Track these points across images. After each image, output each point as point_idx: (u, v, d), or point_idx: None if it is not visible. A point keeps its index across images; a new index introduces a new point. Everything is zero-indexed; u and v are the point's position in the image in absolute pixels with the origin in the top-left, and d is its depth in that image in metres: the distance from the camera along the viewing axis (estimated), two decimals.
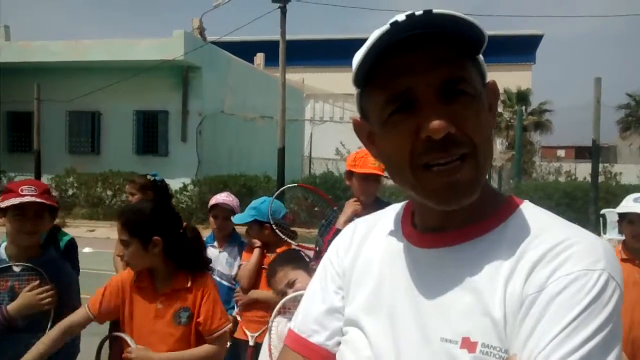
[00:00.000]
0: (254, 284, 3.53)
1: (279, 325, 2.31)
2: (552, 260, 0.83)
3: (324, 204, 3.81)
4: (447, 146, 0.86)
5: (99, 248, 10.67)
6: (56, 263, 2.58)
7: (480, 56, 0.94)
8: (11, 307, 2.36)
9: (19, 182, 2.54)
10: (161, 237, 2.35)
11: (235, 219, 3.74)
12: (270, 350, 2.28)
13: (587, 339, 0.77)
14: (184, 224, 2.57)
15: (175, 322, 2.35)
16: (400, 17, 0.83)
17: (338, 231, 3.18)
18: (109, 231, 13.78)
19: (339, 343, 1.03)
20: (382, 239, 1.06)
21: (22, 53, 18.16)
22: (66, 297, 2.45)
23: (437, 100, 0.86)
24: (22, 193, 2.40)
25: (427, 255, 0.96)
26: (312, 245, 3.48)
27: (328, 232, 3.28)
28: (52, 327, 2.37)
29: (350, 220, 3.21)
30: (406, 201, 1.09)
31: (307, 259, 2.58)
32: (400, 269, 0.98)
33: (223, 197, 3.90)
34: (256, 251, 3.55)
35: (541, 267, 0.84)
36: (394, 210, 1.11)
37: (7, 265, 2.45)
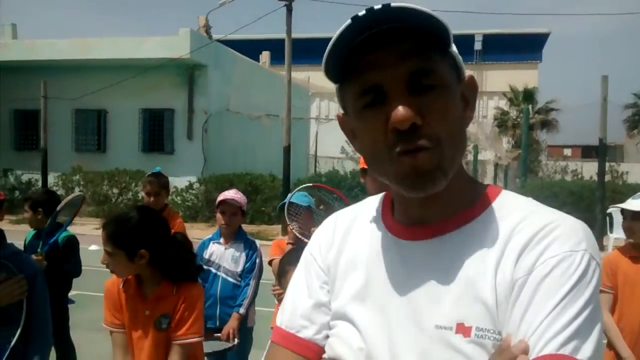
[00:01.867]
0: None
1: None
2: (538, 244, 0.88)
3: (342, 205, 3.81)
4: (413, 136, 0.89)
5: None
6: (19, 256, 2.56)
7: (454, 50, 0.96)
8: None
9: None
10: (147, 248, 2.32)
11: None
12: None
13: (576, 314, 0.83)
14: (172, 230, 2.55)
15: (156, 327, 2.36)
16: (361, 12, 0.86)
17: None
18: None
19: (327, 337, 1.05)
20: (366, 233, 1.07)
21: (28, 51, 18.24)
22: (33, 288, 2.45)
23: (405, 93, 0.89)
24: None
25: (414, 247, 0.98)
26: None
27: None
28: (26, 319, 2.37)
29: None
30: (383, 193, 1.12)
31: None
32: (389, 262, 1.00)
33: (231, 194, 3.91)
34: (288, 247, 3.61)
35: (528, 250, 0.88)
36: (372, 203, 1.13)
37: None
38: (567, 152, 44.49)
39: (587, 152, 41.91)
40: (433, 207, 0.97)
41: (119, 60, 17.52)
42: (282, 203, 3.73)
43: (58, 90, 17.53)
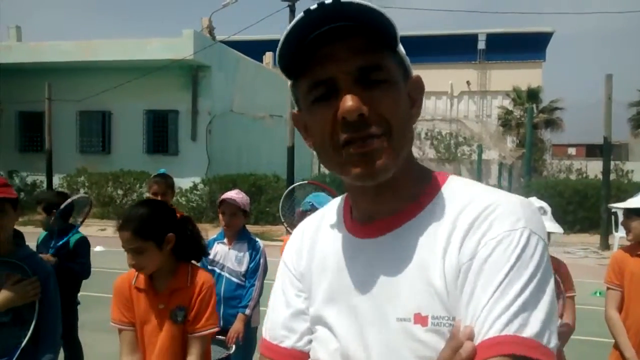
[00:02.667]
0: None
1: None
2: (479, 227, 0.90)
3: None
4: (361, 126, 0.91)
5: (110, 247, 10.73)
6: (34, 257, 2.58)
7: (401, 50, 0.99)
8: None
9: None
10: (172, 231, 2.37)
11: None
12: None
13: (518, 292, 0.84)
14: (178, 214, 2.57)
15: (172, 320, 2.37)
16: (313, 6, 0.89)
17: None
18: None
19: (309, 342, 1.07)
20: (330, 236, 1.10)
21: (33, 53, 18.30)
22: (46, 290, 2.47)
23: (355, 86, 0.92)
24: None
25: (370, 245, 1.00)
26: None
27: None
28: (37, 320, 2.39)
29: None
30: (345, 194, 1.13)
31: None
32: (349, 261, 1.03)
33: (231, 194, 3.91)
34: None
35: (471, 234, 0.90)
36: (335, 204, 1.15)
37: None
38: (572, 151, 44.37)
39: (591, 150, 41.79)
40: (383, 202, 1.00)
41: (122, 62, 17.58)
42: (305, 208, 3.71)
43: (62, 92, 17.58)
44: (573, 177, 24.70)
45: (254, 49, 24.17)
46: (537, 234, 0.89)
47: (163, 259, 2.37)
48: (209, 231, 4.16)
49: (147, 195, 4.70)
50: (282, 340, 1.09)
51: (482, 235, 0.89)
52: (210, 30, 19.42)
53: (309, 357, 1.06)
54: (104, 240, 11.51)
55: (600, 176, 15.66)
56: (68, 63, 17.94)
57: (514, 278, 0.85)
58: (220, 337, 3.58)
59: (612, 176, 19.50)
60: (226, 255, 3.86)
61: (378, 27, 0.91)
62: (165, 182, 4.54)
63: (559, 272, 3.04)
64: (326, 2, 0.88)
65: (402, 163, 0.98)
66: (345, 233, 1.06)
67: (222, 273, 3.81)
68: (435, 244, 0.93)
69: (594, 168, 23.55)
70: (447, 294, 0.89)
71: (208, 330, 2.40)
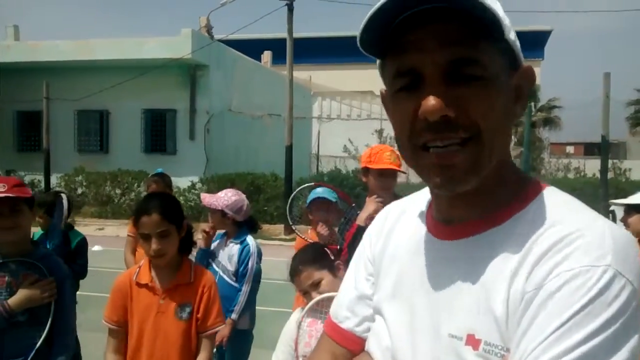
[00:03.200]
0: None
1: (306, 324, 2.31)
2: (554, 255, 0.78)
3: (343, 203, 3.82)
4: (443, 129, 0.82)
5: (108, 246, 10.73)
6: (51, 258, 2.60)
7: (511, 37, 0.86)
8: (12, 300, 2.38)
9: None
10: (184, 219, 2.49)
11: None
12: (296, 344, 2.28)
13: (585, 338, 0.71)
14: None
15: (177, 317, 2.39)
16: None
17: (360, 227, 3.18)
18: (117, 229, 13.85)
19: (368, 329, 1.05)
20: (410, 227, 1.03)
21: (31, 53, 18.26)
22: (62, 291, 2.48)
23: (442, 81, 0.82)
24: None
25: (444, 247, 0.93)
26: (334, 244, 3.50)
27: (349, 229, 3.29)
28: (52, 321, 2.41)
29: (371, 217, 3.22)
30: None
31: (332, 256, 2.52)
32: (420, 260, 0.96)
33: (206, 196, 3.92)
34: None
35: (543, 262, 0.79)
36: (424, 195, 1.07)
37: (4, 261, 2.47)
38: (570, 149, 44.41)
39: (589, 149, 41.84)
40: (463, 206, 0.91)
41: (120, 61, 17.53)
42: (310, 199, 3.77)
43: (60, 91, 17.55)
44: (571, 175, 24.70)
45: (252, 48, 24.13)
46: (626, 276, 0.74)
47: (176, 248, 2.45)
48: None
49: (145, 194, 4.72)
50: (342, 320, 1.09)
51: (555, 264, 0.77)
52: (208, 29, 19.37)
53: (364, 344, 1.05)
54: (101, 239, 11.51)
55: (598, 175, 15.68)
56: (66, 62, 17.89)
57: (581, 322, 0.72)
58: None
59: (610, 174, 19.51)
60: (221, 252, 3.88)
61: (479, 12, 0.79)
62: (164, 181, 4.56)
63: None
64: None
65: (491, 169, 0.87)
66: (424, 229, 0.99)
67: (217, 269, 3.81)
68: (506, 265, 0.83)
69: (592, 166, 23.56)
70: (506, 322, 0.80)
71: (217, 328, 2.50)
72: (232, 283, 3.79)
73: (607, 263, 0.75)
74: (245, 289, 3.77)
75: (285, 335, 2.38)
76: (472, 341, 0.83)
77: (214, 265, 3.84)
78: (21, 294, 2.39)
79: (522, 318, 0.78)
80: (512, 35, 0.86)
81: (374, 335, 1.02)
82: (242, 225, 3.92)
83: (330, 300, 2.27)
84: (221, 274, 3.80)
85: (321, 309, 2.30)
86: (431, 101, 0.81)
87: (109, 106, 18.61)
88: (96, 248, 9.98)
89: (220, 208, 3.80)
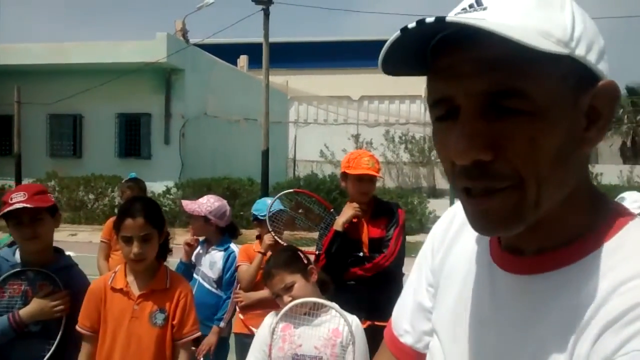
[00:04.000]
0: (254, 285, 3.62)
1: (278, 327, 2.32)
2: (629, 324, 0.63)
3: (321, 208, 3.83)
4: (477, 176, 0.70)
5: (81, 252, 10.54)
6: (70, 269, 2.57)
7: (581, 52, 0.69)
8: (23, 311, 2.34)
9: (12, 190, 2.51)
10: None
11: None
12: (270, 349, 2.27)
13: None
14: None
15: (151, 322, 2.37)
16: (411, 25, 0.67)
17: (337, 233, 3.19)
18: (91, 235, 13.64)
19: (427, 345, 0.96)
20: (471, 243, 0.89)
21: (2, 55, 17.91)
22: (76, 305, 2.43)
23: (478, 116, 0.68)
24: (11, 202, 2.37)
25: (505, 280, 0.80)
26: (312, 249, 3.50)
27: (327, 234, 3.30)
28: (63, 335, 2.37)
29: (349, 222, 3.23)
30: None
31: (306, 260, 2.53)
32: (482, 288, 0.83)
33: (188, 204, 3.89)
34: (258, 256, 3.65)
35: (615, 330, 0.64)
36: None
37: (22, 269, 2.44)
38: None
39: None
40: (529, 236, 0.75)
41: (94, 65, 17.33)
42: (264, 214, 3.74)
43: (32, 95, 17.28)
44: None
45: (228, 52, 24.06)
46: None
47: (155, 253, 2.43)
48: (181, 236, 4.13)
49: (119, 200, 4.68)
50: (402, 334, 1.02)
51: (628, 338, 0.62)
52: (184, 33, 19.27)
53: (422, 357, 0.97)
54: (74, 245, 11.33)
55: None
56: (38, 66, 17.62)
57: None
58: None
59: None
60: (202, 259, 3.83)
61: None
62: (138, 186, 4.52)
63: None
64: (427, 20, 0.65)
65: (552, 205, 0.72)
66: (485, 251, 0.85)
67: (196, 277, 3.78)
68: (572, 320, 0.69)
69: None
70: None
71: (194, 335, 2.49)
72: (213, 290, 3.76)
73: None
74: (233, 296, 3.75)
75: (258, 340, 2.38)
76: None
77: (193, 273, 3.80)
78: (33, 305, 2.35)
79: None
80: (582, 50, 0.69)
81: (431, 356, 0.94)
82: (224, 231, 3.89)
83: (303, 306, 2.29)
84: (201, 281, 3.76)
85: (295, 314, 2.31)
86: (460, 143, 0.68)
87: (82, 110, 18.36)
88: (68, 254, 9.82)
89: (203, 214, 3.76)
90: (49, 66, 17.65)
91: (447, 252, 0.94)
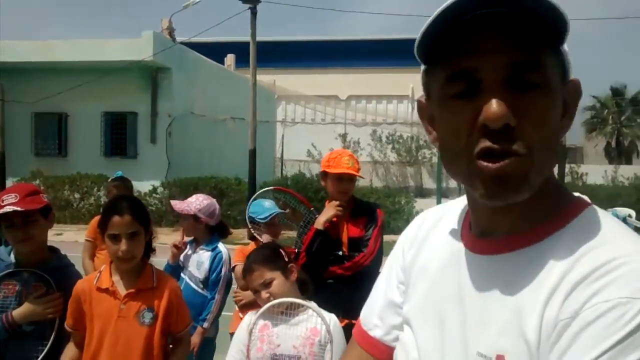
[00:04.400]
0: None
1: (256, 327, 2.31)
2: (592, 283, 0.74)
3: (302, 206, 3.84)
4: (503, 139, 0.78)
5: (66, 252, 10.45)
6: (65, 270, 2.55)
7: (565, 48, 0.84)
8: (16, 312, 2.33)
9: (3, 192, 2.48)
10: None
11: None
12: (248, 350, 2.27)
13: None
14: None
15: (139, 322, 2.35)
16: None
17: (318, 231, 3.20)
18: (76, 234, 13.53)
19: (396, 338, 1.03)
20: (443, 238, 1.00)
21: None
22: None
23: (503, 87, 0.78)
24: (2, 204, 2.33)
25: (478, 262, 0.90)
26: (292, 247, 3.50)
27: (306, 232, 3.30)
28: (56, 336, 2.36)
29: (329, 221, 3.24)
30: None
31: (286, 258, 2.53)
32: (453, 274, 0.93)
33: (177, 203, 3.87)
34: None
35: (580, 289, 0.74)
36: (460, 206, 1.02)
37: (17, 270, 2.42)
38: None
39: None
40: (504, 218, 0.87)
41: (80, 63, 17.19)
42: (262, 217, 3.78)
43: (16, 93, 17.14)
44: None
45: (216, 51, 23.97)
46: None
47: (142, 251, 2.43)
48: (168, 235, 4.11)
49: (105, 199, 4.66)
50: (372, 328, 1.08)
51: (592, 294, 0.73)
52: (171, 31, 19.18)
53: (392, 353, 1.04)
54: (59, 245, 11.22)
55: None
56: (23, 63, 17.45)
57: (617, 356, 0.68)
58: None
59: (568, 179, 20.02)
60: (189, 259, 3.81)
61: (544, 18, 0.77)
62: (125, 185, 4.49)
63: None
64: None
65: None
66: (458, 242, 0.96)
67: (183, 276, 3.76)
68: (543, 286, 0.79)
69: None
70: (537, 347, 0.76)
71: (188, 327, 2.59)
72: (199, 290, 3.74)
73: None
74: (218, 297, 3.73)
75: (236, 340, 2.38)
76: None
77: (180, 274, 3.78)
78: (26, 306, 2.34)
79: (555, 345, 0.74)
80: (566, 47, 0.84)
81: (402, 345, 1.01)
82: (213, 231, 3.88)
83: (281, 306, 2.30)
84: (187, 280, 3.74)
85: (272, 313, 2.31)
86: (495, 107, 0.77)
87: (68, 109, 18.22)
88: (64, 254, 9.74)
89: (192, 213, 3.74)
90: (33, 64, 17.50)
91: (419, 250, 1.03)
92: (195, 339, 3.60)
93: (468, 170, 0.83)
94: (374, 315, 1.09)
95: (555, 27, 0.79)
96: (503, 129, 0.78)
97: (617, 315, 0.70)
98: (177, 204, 3.84)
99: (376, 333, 1.07)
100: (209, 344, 3.81)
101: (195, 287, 3.74)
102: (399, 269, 1.06)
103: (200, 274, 3.75)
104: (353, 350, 1.12)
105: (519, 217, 0.86)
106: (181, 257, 3.82)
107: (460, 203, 1.03)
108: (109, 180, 5.29)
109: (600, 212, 0.86)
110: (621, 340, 0.68)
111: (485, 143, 0.79)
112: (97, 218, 3.74)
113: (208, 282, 3.75)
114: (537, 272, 0.81)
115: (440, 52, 0.82)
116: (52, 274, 2.41)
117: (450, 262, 0.95)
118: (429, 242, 1.02)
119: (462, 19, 0.78)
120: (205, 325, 3.67)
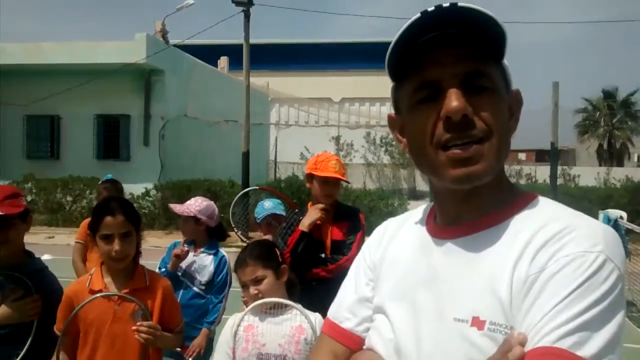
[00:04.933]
0: None
1: (242, 326, 2.31)
2: (554, 244, 0.90)
3: (285, 207, 3.85)
4: (464, 128, 0.95)
5: (58, 255, 10.41)
6: (42, 273, 2.53)
7: (506, 63, 1.03)
8: None
9: None
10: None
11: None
12: (233, 351, 2.28)
13: (581, 311, 0.83)
14: None
15: (134, 321, 2.35)
16: (430, 8, 0.93)
17: (303, 233, 3.21)
18: (68, 237, 13.46)
19: (367, 329, 1.13)
20: (409, 235, 1.14)
21: None
22: (47, 309, 2.39)
23: (460, 89, 0.95)
24: None
25: (446, 246, 1.03)
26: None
27: (290, 233, 3.31)
28: (33, 339, 2.33)
29: (314, 224, 3.26)
30: (432, 203, 1.17)
31: (280, 258, 2.53)
32: (422, 260, 1.06)
33: (176, 206, 3.87)
34: None
35: (544, 250, 0.90)
36: (422, 209, 1.19)
37: None
38: (522, 156, 45.55)
39: (540, 156, 43.01)
40: (469, 206, 1.03)
41: (73, 65, 17.10)
42: (263, 215, 3.79)
43: (8, 95, 17.07)
44: (523, 181, 25.32)
45: (209, 54, 23.96)
46: (614, 262, 0.88)
47: (134, 251, 2.44)
48: (161, 238, 4.10)
49: (96, 202, 4.64)
50: (343, 321, 1.17)
51: (555, 251, 0.89)
52: (164, 34, 19.12)
53: (363, 343, 1.13)
54: (52, 248, 11.18)
55: (549, 181, 16.11)
56: (15, 66, 17.33)
57: (579, 296, 0.84)
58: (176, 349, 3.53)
59: (560, 181, 20.08)
60: (190, 262, 3.80)
61: (488, 36, 0.96)
62: (115, 187, 4.47)
63: None
64: (444, 5, 0.92)
65: (498, 171, 1.01)
66: (424, 234, 1.10)
67: (183, 279, 3.75)
68: (509, 254, 0.94)
69: (543, 173, 24.21)
70: (510, 302, 0.90)
71: (182, 323, 2.62)
72: (201, 293, 3.75)
73: (600, 250, 0.88)
74: (224, 301, 3.75)
75: (222, 342, 2.38)
76: (477, 322, 0.92)
77: (179, 274, 3.76)
78: (4, 309, 2.31)
79: (526, 297, 0.88)
80: (506, 61, 1.03)
81: (375, 330, 1.09)
82: (212, 234, 3.89)
83: (266, 305, 2.30)
84: (188, 283, 3.74)
85: (258, 313, 2.31)
86: (454, 100, 0.94)
87: (60, 111, 18.14)
88: (46, 257, 9.65)
89: (193, 214, 3.75)
90: (25, 66, 17.41)
91: (386, 249, 1.17)
92: (202, 341, 3.63)
93: (436, 161, 0.98)
94: (343, 310, 1.18)
95: (497, 41, 0.97)
96: (462, 120, 0.95)
97: (577, 265, 0.86)
98: (177, 207, 3.84)
99: (347, 325, 1.16)
100: (209, 345, 3.83)
101: (197, 290, 3.74)
102: (367, 268, 1.19)
103: (202, 277, 3.75)
104: (323, 342, 1.19)
105: (481, 205, 1.02)
106: (182, 265, 3.80)
107: (421, 209, 1.19)
108: (99, 182, 5.27)
109: (548, 200, 1.04)
110: (581, 284, 0.85)
111: (447, 136, 0.96)
112: (87, 220, 3.74)
113: (209, 285, 3.75)
114: (503, 243, 0.96)
115: (406, 68, 1.00)
116: (29, 277, 2.39)
117: (419, 252, 1.08)
118: (396, 240, 1.16)
119: (422, 40, 0.97)
120: (212, 327, 3.69)
